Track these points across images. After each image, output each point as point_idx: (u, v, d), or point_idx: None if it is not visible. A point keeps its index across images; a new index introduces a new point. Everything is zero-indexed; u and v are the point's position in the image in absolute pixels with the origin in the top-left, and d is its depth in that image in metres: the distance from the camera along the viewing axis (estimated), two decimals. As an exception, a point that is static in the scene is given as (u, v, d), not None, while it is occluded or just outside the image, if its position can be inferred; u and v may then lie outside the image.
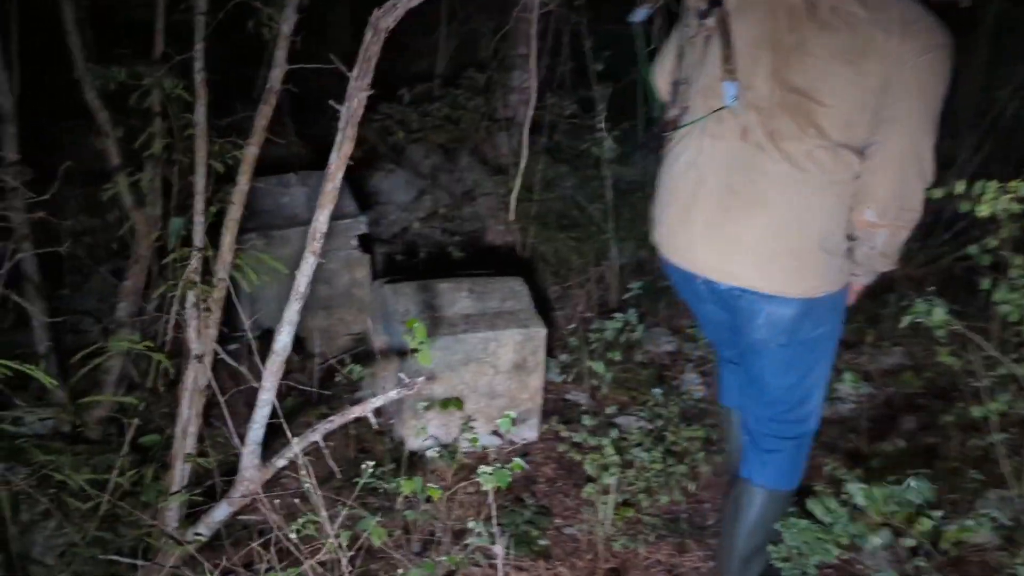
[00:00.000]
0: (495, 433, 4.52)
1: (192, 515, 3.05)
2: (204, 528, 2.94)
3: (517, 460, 3.02)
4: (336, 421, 2.97)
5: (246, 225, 5.34)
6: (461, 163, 7.89)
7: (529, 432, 4.62)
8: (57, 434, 3.57)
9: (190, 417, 2.99)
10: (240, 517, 3.06)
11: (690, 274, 2.87)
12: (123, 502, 2.95)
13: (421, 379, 3.00)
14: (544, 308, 6.10)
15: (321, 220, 2.88)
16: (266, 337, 5.41)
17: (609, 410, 4.91)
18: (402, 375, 3.05)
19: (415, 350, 3.13)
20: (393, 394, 2.97)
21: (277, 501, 2.79)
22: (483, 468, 3.03)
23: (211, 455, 3.03)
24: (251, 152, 3.18)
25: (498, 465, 2.98)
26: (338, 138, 2.86)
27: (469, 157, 7.82)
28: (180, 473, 2.99)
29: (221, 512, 2.93)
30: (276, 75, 3.24)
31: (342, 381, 5.05)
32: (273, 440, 4.05)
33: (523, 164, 3.16)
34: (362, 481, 2.81)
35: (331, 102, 2.89)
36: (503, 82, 7.44)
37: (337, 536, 2.46)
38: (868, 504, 2.99)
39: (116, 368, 3.82)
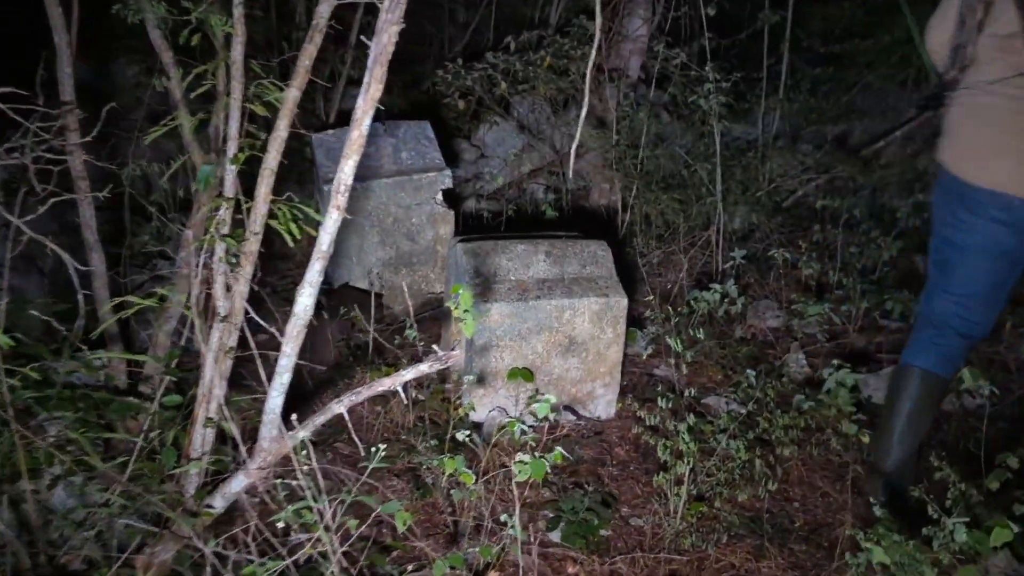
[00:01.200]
0: (567, 408, 4.15)
1: (214, 483, 2.84)
2: (220, 499, 2.73)
3: (558, 450, 2.64)
4: (363, 393, 2.67)
5: (328, 175, 5.16)
6: (568, 116, 7.44)
7: (605, 409, 4.21)
8: (109, 387, 3.45)
9: (213, 379, 2.76)
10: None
11: None
12: (146, 464, 2.77)
13: (456, 352, 2.65)
14: (634, 277, 5.63)
15: (346, 171, 2.54)
16: (343, 293, 5.24)
17: (697, 390, 4.44)
18: (436, 347, 2.72)
19: (459, 319, 2.79)
20: (425, 367, 2.64)
21: (287, 481, 2.53)
22: (520, 457, 2.67)
23: (235, 419, 2.78)
24: (292, 96, 2.87)
25: (537, 455, 2.61)
26: (366, 79, 2.51)
27: (576, 111, 7.35)
28: (200, 438, 2.78)
29: (237, 483, 2.71)
30: (323, 10, 2.91)
31: (418, 339, 4.78)
32: (307, 406, 3.83)
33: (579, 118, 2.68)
34: (371, 464, 2.49)
35: (361, 37, 2.55)
36: (616, 29, 6.90)
37: (329, 529, 2.17)
38: (972, 544, 2.46)
39: (174, 319, 3.67)
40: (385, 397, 4.00)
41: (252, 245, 2.88)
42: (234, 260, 2.82)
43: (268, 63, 3.23)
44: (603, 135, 6.22)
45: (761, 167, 6.39)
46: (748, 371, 4.27)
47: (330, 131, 5.26)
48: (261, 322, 2.82)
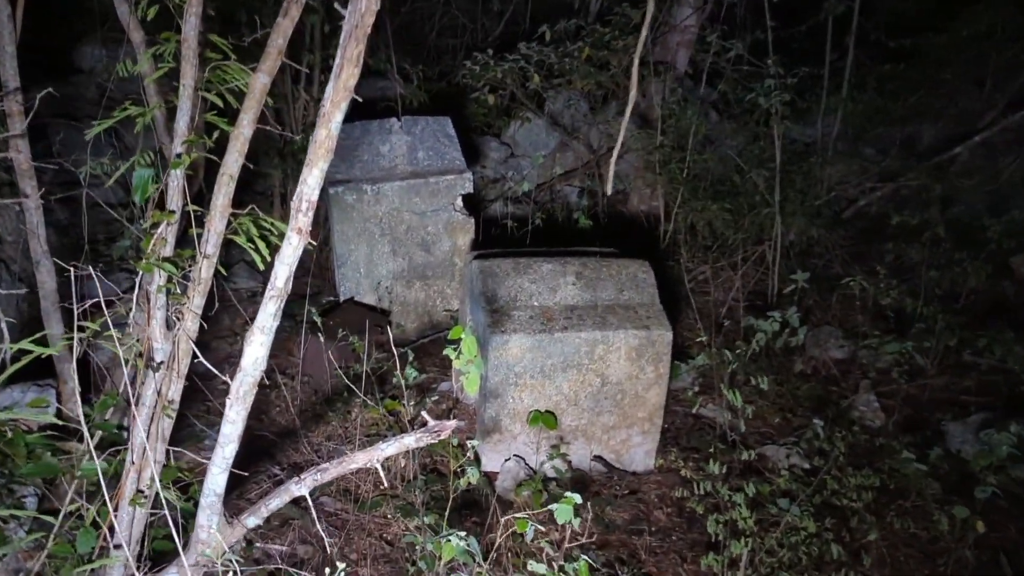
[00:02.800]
0: (597, 459, 3.47)
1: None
2: (148, 601, 2.10)
3: (583, 560, 1.96)
4: (331, 471, 2.02)
5: (335, 176, 4.52)
6: (607, 114, 6.73)
7: (643, 460, 3.52)
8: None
9: (146, 442, 2.12)
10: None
11: None
12: (59, 546, 2.14)
13: (452, 423, 1.98)
14: (678, 295, 4.91)
15: (309, 183, 1.87)
16: (347, 310, 4.59)
17: (752, 438, 3.74)
18: (426, 414, 2.06)
19: (462, 372, 2.13)
20: (410, 440, 1.98)
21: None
22: (533, 568, 1.99)
23: (175, 491, 2.14)
24: (260, 83, 2.22)
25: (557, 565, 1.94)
26: (337, 60, 1.84)
27: (617, 107, 6.63)
28: (127, 517, 2.15)
29: (169, 581, 2.07)
30: (302, -22, 2.26)
31: (419, 378, 4.13)
32: (271, 462, 3.16)
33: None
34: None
35: (336, 5, 1.90)
36: (663, 19, 6.17)
37: None
38: None
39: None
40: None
41: (205, 270, 2.23)
42: (178, 291, 2.18)
43: (239, 42, 2.57)
44: (646, 135, 5.49)
45: (820, 173, 5.62)
46: (815, 421, 3.55)
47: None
48: (214, 369, 2.18)
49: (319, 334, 3.76)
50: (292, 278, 1.93)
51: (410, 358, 3.40)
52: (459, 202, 4.50)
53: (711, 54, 5.43)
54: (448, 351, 2.20)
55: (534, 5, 7.44)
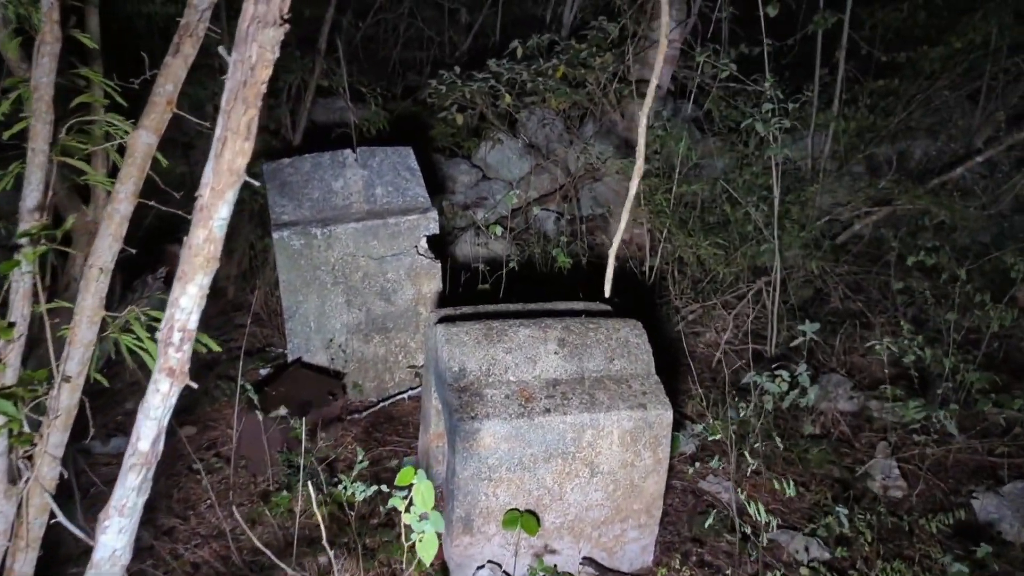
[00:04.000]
0: (587, 560, 2.88)
1: None
2: None
3: None
4: None
5: (280, 218, 3.87)
6: (584, 134, 6.16)
7: (639, 557, 2.94)
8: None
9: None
10: None
11: None
12: None
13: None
14: (667, 335, 4.35)
15: (184, 305, 1.27)
16: (293, 377, 3.97)
17: (761, 513, 3.18)
18: None
19: (413, 538, 1.54)
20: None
21: None
22: None
23: None
24: (142, 143, 1.62)
25: None
26: (217, 132, 1.24)
27: (594, 128, 6.07)
28: None
29: None
30: (200, 2, 1.65)
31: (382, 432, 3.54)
32: None
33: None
34: None
35: (221, 51, 1.30)
36: (643, 34, 5.61)
37: None
38: None
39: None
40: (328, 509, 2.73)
41: (66, 396, 1.62)
42: (26, 428, 1.57)
43: (129, 83, 1.96)
44: (626, 164, 4.91)
45: (811, 197, 5.09)
46: (837, 509, 3.00)
47: (286, 160, 3.99)
48: (80, 533, 1.56)
49: (256, 410, 3.14)
50: (163, 436, 1.32)
51: (359, 458, 2.78)
52: (423, 244, 3.90)
53: (698, 72, 4.86)
54: (395, 501, 1.60)
55: (504, 17, 6.85)
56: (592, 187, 5.97)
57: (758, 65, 4.55)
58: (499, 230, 4.53)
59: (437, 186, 5.64)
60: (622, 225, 1.84)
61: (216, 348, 1.76)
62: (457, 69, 5.58)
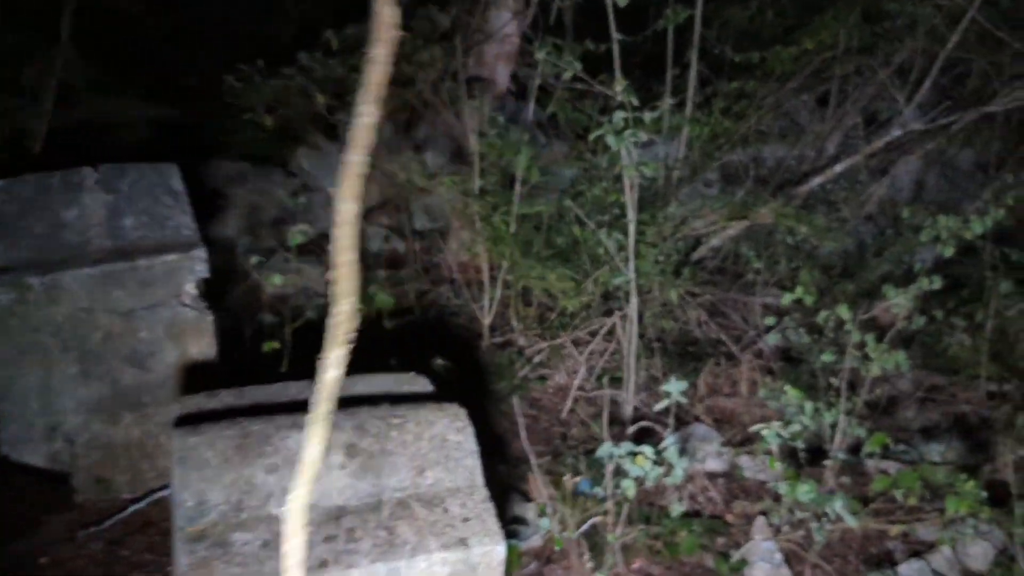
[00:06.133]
0: None
1: None
2: None
3: None
4: None
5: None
6: (417, 137, 5.25)
7: None
8: None
9: None
10: None
11: None
12: None
13: None
14: (508, 395, 3.51)
15: None
16: (15, 472, 2.84)
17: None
18: None
19: None
20: None
21: None
22: None
23: None
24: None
25: None
26: None
27: (426, 131, 5.17)
28: None
29: None
30: None
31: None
32: None
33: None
34: None
35: None
36: (477, 26, 4.75)
37: None
38: None
39: None
40: None
41: None
42: None
43: None
44: (461, 179, 4.03)
45: (672, 214, 4.42)
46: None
47: (-3, 181, 2.86)
48: None
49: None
50: None
51: None
52: (189, 291, 2.88)
53: (538, 71, 4.03)
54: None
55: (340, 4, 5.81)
56: (424, 199, 5.08)
57: (607, 63, 3.77)
58: (300, 238, 3.53)
59: (239, 205, 4.59)
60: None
61: None
62: (260, 63, 4.52)
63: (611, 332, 3.77)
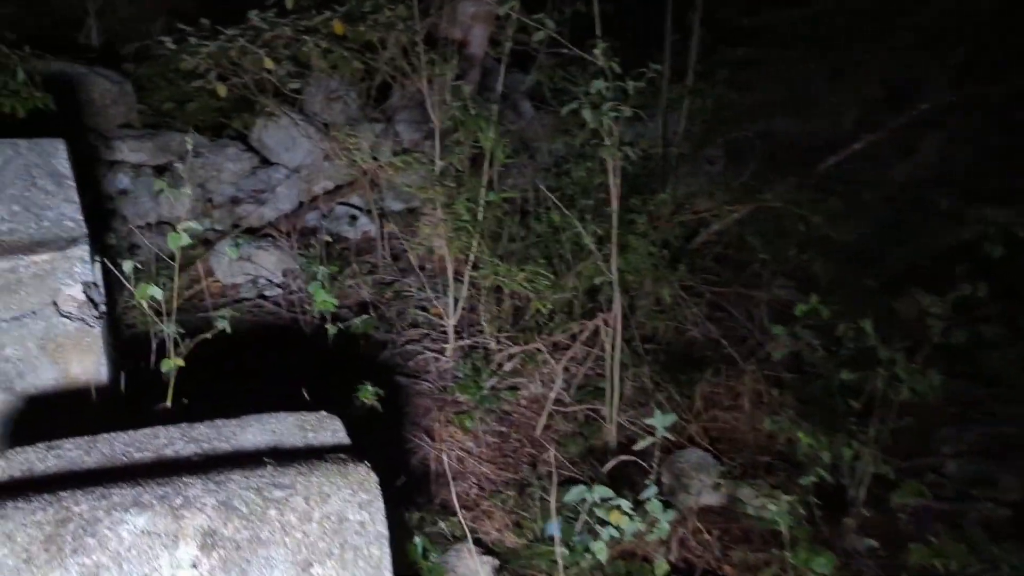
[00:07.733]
0: None
1: None
2: None
3: None
4: None
5: None
6: (388, 108, 4.62)
7: None
8: None
9: None
10: None
11: None
12: None
13: None
14: (472, 409, 2.91)
15: None
16: None
17: None
18: None
19: None
20: None
21: None
22: None
23: None
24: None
25: None
26: None
27: (398, 103, 4.53)
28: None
29: None
30: None
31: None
32: None
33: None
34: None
35: None
36: (451, -18, 4.09)
37: None
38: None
39: None
40: None
41: None
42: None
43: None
44: (426, 157, 3.41)
45: (669, 198, 3.79)
46: None
47: None
48: None
49: None
50: None
51: None
52: (70, 296, 2.30)
53: (510, 34, 3.38)
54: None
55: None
56: (397, 177, 4.46)
57: (607, 28, 3.12)
58: (235, 253, 2.94)
59: (189, 183, 3.98)
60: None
61: None
62: (205, 21, 3.90)
63: (595, 334, 3.18)
